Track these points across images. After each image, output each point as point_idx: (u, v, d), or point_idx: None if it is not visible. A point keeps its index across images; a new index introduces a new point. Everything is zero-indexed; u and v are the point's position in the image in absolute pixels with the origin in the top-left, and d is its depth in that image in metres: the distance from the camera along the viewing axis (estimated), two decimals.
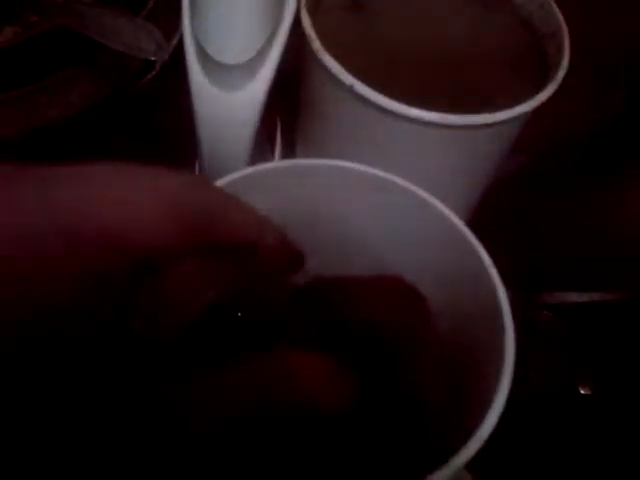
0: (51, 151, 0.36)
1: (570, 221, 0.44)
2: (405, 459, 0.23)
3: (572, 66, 0.29)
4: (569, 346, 0.39)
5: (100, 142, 0.39)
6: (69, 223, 0.14)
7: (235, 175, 0.25)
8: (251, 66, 0.28)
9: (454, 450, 0.19)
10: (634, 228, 0.44)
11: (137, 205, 0.16)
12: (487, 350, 0.22)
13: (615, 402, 0.36)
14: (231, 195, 0.19)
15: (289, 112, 0.38)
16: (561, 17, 0.31)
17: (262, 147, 0.35)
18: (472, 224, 0.39)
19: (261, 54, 0.28)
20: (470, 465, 0.31)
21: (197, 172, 0.35)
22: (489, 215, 0.42)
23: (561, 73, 0.28)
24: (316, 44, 0.29)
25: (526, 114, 0.28)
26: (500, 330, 0.22)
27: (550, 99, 0.28)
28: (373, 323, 0.26)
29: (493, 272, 0.23)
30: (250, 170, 0.26)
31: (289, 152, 0.38)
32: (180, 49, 0.28)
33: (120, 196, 0.16)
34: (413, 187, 0.25)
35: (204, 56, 0.28)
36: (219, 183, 0.25)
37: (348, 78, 0.28)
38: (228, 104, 0.27)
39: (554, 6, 0.31)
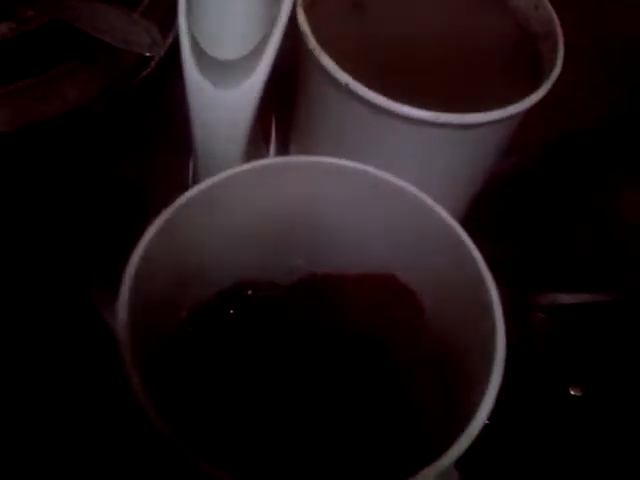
0: (47, 147, 0.37)
1: (565, 221, 0.44)
2: (395, 455, 0.24)
3: (568, 65, 0.30)
4: (560, 347, 0.39)
5: (98, 138, 0.39)
6: None
7: (229, 172, 0.25)
8: (247, 63, 0.28)
9: (444, 447, 0.19)
10: (630, 229, 0.44)
11: None
12: (478, 349, 0.22)
13: (606, 404, 0.36)
14: None
15: (284, 109, 0.38)
16: (556, 17, 0.31)
17: (257, 144, 0.35)
18: (466, 224, 0.39)
19: (257, 51, 0.28)
20: (458, 464, 0.32)
21: (191, 170, 0.35)
22: (483, 215, 0.42)
23: (555, 73, 0.29)
24: (312, 42, 0.29)
25: (519, 114, 0.28)
26: (491, 330, 0.22)
27: (545, 99, 0.29)
28: (364, 319, 0.27)
29: (485, 271, 0.23)
30: (245, 167, 0.26)
31: (284, 149, 0.38)
32: (176, 46, 0.28)
33: None
34: (406, 185, 0.26)
35: (199, 52, 0.28)
36: (213, 180, 0.25)
37: (343, 76, 0.28)
38: (223, 101, 0.27)
39: (549, 6, 0.31)
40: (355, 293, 0.28)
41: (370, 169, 0.26)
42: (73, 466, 0.29)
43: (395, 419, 0.25)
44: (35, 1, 0.32)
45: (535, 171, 0.46)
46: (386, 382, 0.26)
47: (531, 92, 0.28)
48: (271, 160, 0.26)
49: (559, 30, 0.30)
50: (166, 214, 0.23)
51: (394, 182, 0.26)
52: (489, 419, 0.35)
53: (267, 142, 0.38)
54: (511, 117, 0.28)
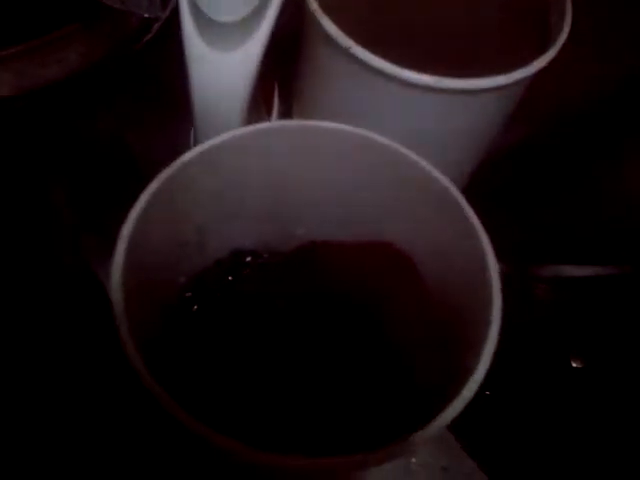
0: (52, 113, 0.36)
1: (569, 193, 0.44)
2: (392, 418, 0.24)
3: (575, 36, 0.29)
4: (562, 319, 0.39)
5: (100, 103, 0.38)
6: None
7: (228, 134, 0.25)
8: (246, 25, 0.27)
9: (439, 410, 0.19)
10: (634, 201, 0.43)
11: None
12: (475, 313, 0.22)
13: (606, 376, 0.36)
14: None
15: (287, 76, 0.38)
16: None
17: (259, 111, 0.34)
18: (468, 194, 0.39)
19: (257, 13, 0.27)
20: (459, 434, 0.32)
21: (192, 136, 0.35)
22: (486, 186, 0.41)
23: (561, 39, 0.28)
24: (313, 5, 0.28)
25: (526, 79, 0.27)
26: (488, 295, 0.22)
27: (551, 68, 0.28)
28: (362, 285, 0.26)
29: (483, 236, 0.23)
30: (243, 130, 0.25)
31: (286, 117, 0.38)
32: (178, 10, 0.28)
33: None
34: (406, 151, 0.25)
35: (199, 15, 0.27)
36: (210, 143, 0.25)
37: (345, 40, 0.27)
38: (222, 65, 0.27)
39: None
40: (353, 260, 0.28)
41: (371, 134, 0.25)
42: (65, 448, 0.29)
43: (391, 383, 0.25)
44: None
45: (539, 143, 0.45)
46: (382, 346, 0.26)
47: (537, 57, 0.28)
48: (269, 124, 0.25)
49: None
50: (164, 175, 0.23)
51: (394, 148, 0.25)
52: (490, 390, 0.35)
53: (269, 109, 0.38)
54: (516, 83, 0.27)
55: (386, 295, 0.27)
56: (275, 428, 0.24)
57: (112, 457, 0.28)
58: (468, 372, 0.20)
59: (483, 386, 0.35)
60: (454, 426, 0.32)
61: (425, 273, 0.26)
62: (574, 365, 0.37)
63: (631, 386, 0.35)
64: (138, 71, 0.39)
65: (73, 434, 0.28)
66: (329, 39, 0.28)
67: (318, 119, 0.27)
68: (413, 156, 0.25)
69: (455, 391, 0.20)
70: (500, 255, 0.40)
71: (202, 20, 0.27)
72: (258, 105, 0.34)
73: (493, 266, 0.22)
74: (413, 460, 0.32)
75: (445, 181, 0.24)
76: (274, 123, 0.25)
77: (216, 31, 0.27)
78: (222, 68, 0.27)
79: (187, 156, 0.23)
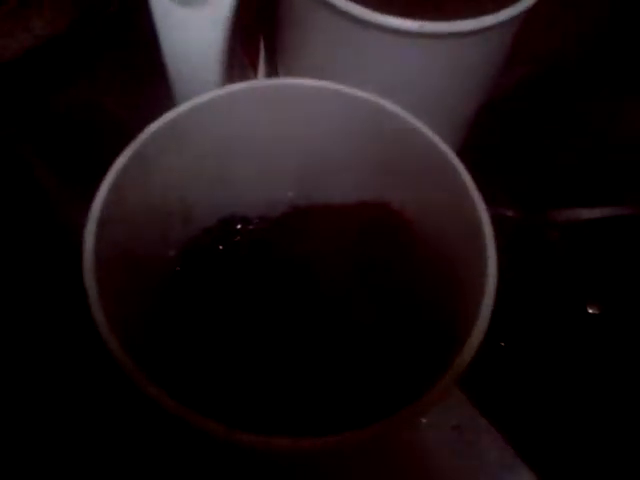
0: (28, 79, 0.35)
1: (576, 133, 0.42)
2: (394, 380, 0.23)
3: None
4: (577, 264, 0.37)
5: (77, 73, 0.37)
6: None
7: (200, 99, 0.24)
8: None
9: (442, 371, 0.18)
10: None
11: None
12: (470, 269, 0.21)
13: (623, 322, 0.35)
14: None
15: (273, 30, 0.36)
16: None
17: (241, 68, 0.33)
18: (471, 143, 0.37)
19: None
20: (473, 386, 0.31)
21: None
22: (490, 133, 0.40)
23: None
24: None
25: (515, 19, 0.25)
26: (482, 249, 0.20)
27: (547, 7, 0.26)
28: (355, 247, 0.25)
29: (473, 190, 0.21)
30: (219, 92, 0.24)
31: (274, 73, 0.36)
32: None
33: None
34: (393, 106, 0.24)
35: None
36: (186, 105, 0.23)
37: None
38: (191, 21, 0.25)
39: None
40: (341, 223, 0.26)
41: (353, 90, 0.24)
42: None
43: (388, 348, 0.24)
44: None
45: (540, 83, 0.43)
46: (376, 310, 0.25)
47: None
48: (241, 84, 0.24)
49: None
50: (133, 146, 0.22)
51: (379, 104, 0.24)
52: (504, 341, 0.34)
53: (255, 65, 0.36)
54: (506, 22, 0.25)
55: (379, 256, 0.25)
56: (270, 407, 0.23)
57: (108, 453, 0.28)
58: (469, 329, 0.19)
59: (497, 337, 0.34)
60: (465, 383, 0.31)
61: (418, 231, 0.25)
62: (591, 311, 0.36)
63: None
64: (113, 37, 0.38)
65: (66, 426, 0.28)
66: None
67: (301, 74, 0.25)
68: (400, 112, 0.23)
69: (457, 349, 0.19)
70: (512, 202, 0.39)
71: None
72: (241, 62, 0.33)
73: (485, 219, 0.21)
74: (423, 420, 0.31)
75: (432, 136, 0.23)
76: (245, 83, 0.24)
77: None
78: (190, 25, 0.25)
79: (154, 126, 0.22)
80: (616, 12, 0.45)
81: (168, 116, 0.23)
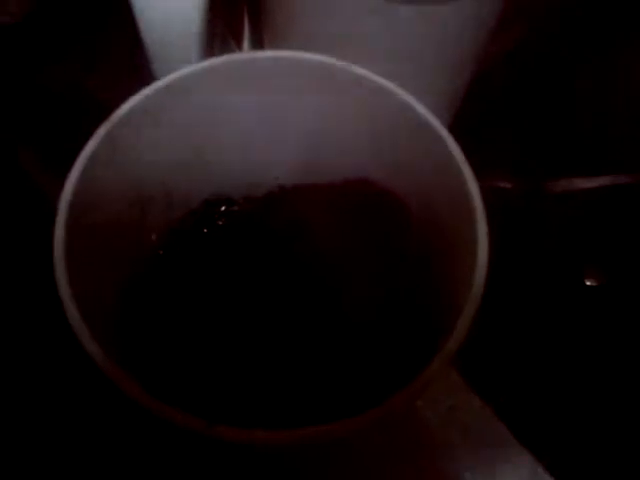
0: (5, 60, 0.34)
1: (571, 101, 0.40)
2: (386, 367, 0.22)
3: None
4: (575, 237, 0.36)
5: (56, 53, 0.36)
6: None
7: (180, 73, 0.22)
8: None
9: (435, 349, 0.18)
10: None
11: None
12: (463, 247, 0.20)
13: (622, 294, 0.34)
14: None
15: (257, 5, 0.35)
16: None
17: (223, 42, 0.31)
18: (464, 113, 0.36)
19: None
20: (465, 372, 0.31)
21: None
22: (483, 103, 0.38)
23: None
24: None
25: None
26: (473, 227, 0.19)
27: None
28: (339, 227, 0.24)
29: (461, 160, 0.20)
30: (196, 67, 0.23)
31: (259, 45, 0.35)
32: None
33: None
34: (381, 80, 0.22)
35: None
36: (161, 82, 0.22)
37: None
38: None
39: None
40: (328, 202, 0.25)
41: (332, 60, 0.23)
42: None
43: (378, 330, 0.24)
44: None
45: (538, 45, 0.42)
46: (365, 291, 0.24)
47: None
48: (223, 58, 0.23)
49: None
50: (105, 127, 0.21)
51: (369, 78, 0.22)
52: (502, 315, 0.34)
53: (239, 40, 0.35)
54: None
55: (370, 234, 0.24)
56: (260, 398, 0.23)
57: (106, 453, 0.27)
58: (460, 304, 0.18)
59: (494, 313, 0.34)
60: (461, 364, 0.31)
61: (409, 208, 0.24)
62: (589, 284, 0.35)
63: None
64: (94, 17, 0.37)
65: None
66: None
67: (286, 47, 0.24)
68: (388, 85, 0.22)
69: (449, 327, 0.18)
70: (507, 173, 0.38)
71: None
72: (223, 38, 0.31)
73: (475, 192, 0.20)
74: (419, 402, 0.31)
75: (422, 109, 0.21)
76: (225, 57, 0.22)
77: None
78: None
79: (126, 106, 0.21)
80: None
81: (142, 95, 0.22)
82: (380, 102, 0.22)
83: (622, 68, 0.41)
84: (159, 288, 0.25)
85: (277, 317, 0.25)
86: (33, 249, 0.30)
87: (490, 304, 0.33)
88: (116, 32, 0.37)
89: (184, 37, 0.25)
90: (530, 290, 0.34)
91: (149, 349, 0.23)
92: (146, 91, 0.22)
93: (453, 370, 0.31)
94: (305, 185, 0.27)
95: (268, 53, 0.23)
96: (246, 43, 0.35)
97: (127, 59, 0.35)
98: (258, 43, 0.35)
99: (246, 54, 0.23)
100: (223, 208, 0.27)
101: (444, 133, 0.21)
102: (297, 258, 0.26)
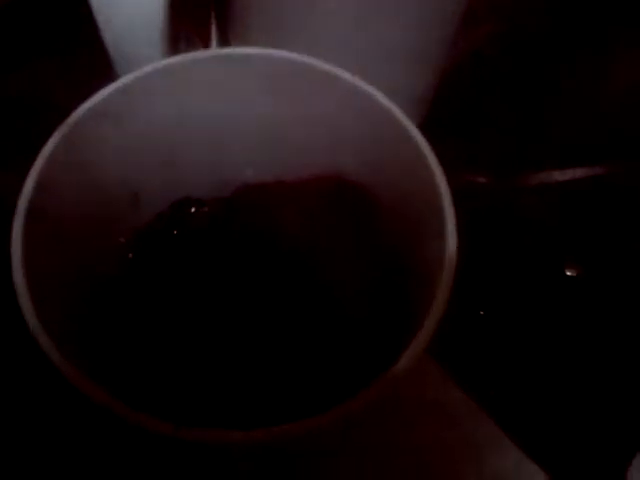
0: None
1: (550, 95, 0.40)
2: (356, 362, 0.22)
3: None
4: (553, 227, 0.36)
5: (25, 56, 0.35)
6: None
7: (141, 72, 0.22)
8: None
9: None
10: (621, 97, 0.40)
11: None
12: (431, 234, 0.20)
13: (603, 283, 0.34)
14: None
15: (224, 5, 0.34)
16: None
17: (188, 42, 0.31)
18: (438, 109, 0.36)
19: None
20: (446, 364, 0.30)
21: None
22: (457, 97, 0.38)
23: None
24: None
25: None
26: (440, 214, 0.19)
27: None
28: (307, 223, 0.24)
29: (429, 154, 0.20)
30: (156, 65, 0.22)
31: (226, 43, 0.35)
32: None
33: None
34: (346, 74, 0.22)
35: None
36: (127, 79, 0.22)
37: None
38: None
39: None
40: (296, 199, 0.25)
41: (298, 57, 0.22)
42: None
43: (348, 325, 0.23)
44: None
45: (512, 39, 0.42)
46: (334, 287, 0.24)
47: None
48: (185, 56, 0.22)
49: None
50: (62, 130, 0.20)
51: (333, 72, 0.22)
52: (483, 310, 0.33)
53: (206, 39, 0.34)
54: None
55: (340, 228, 0.24)
56: (235, 397, 0.22)
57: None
58: (432, 295, 0.18)
59: (475, 306, 0.33)
60: (444, 358, 0.30)
61: (378, 202, 0.24)
62: (569, 274, 0.35)
63: (629, 291, 0.33)
64: (60, 23, 0.36)
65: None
66: None
67: (252, 43, 0.23)
68: (355, 81, 0.22)
69: (421, 319, 0.18)
70: (483, 167, 0.38)
71: None
72: (188, 38, 0.31)
73: (444, 186, 0.19)
74: (404, 394, 0.30)
75: (388, 103, 0.21)
76: (188, 55, 0.22)
77: None
78: None
79: (84, 107, 0.21)
80: None
81: (100, 95, 0.21)
82: (347, 98, 0.22)
83: (597, 61, 0.42)
84: (129, 292, 0.24)
85: (250, 316, 0.24)
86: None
87: (471, 297, 0.33)
88: (85, 36, 0.37)
89: (147, 35, 0.25)
90: (511, 282, 0.34)
91: (120, 353, 0.22)
92: (104, 92, 0.21)
93: (436, 365, 0.30)
94: (275, 183, 0.26)
95: (231, 50, 0.23)
96: (214, 44, 0.34)
97: (96, 68, 0.35)
98: (226, 44, 0.34)
99: (208, 51, 0.23)
100: (193, 209, 0.27)
101: (410, 126, 0.21)
102: (269, 256, 0.26)
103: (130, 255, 0.26)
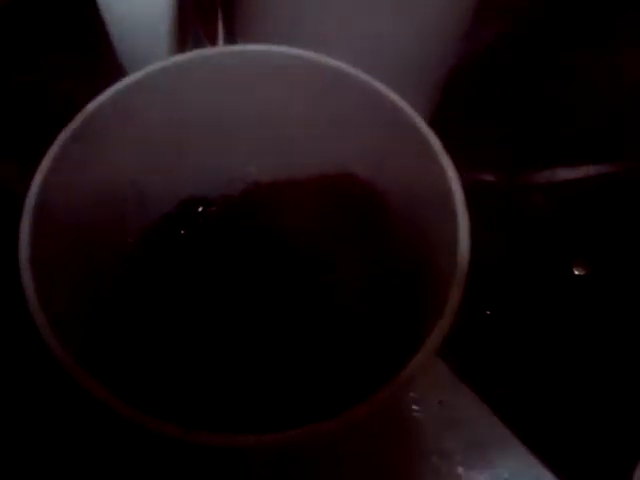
0: None
1: (558, 93, 0.40)
2: (368, 364, 0.22)
3: None
4: (561, 227, 0.36)
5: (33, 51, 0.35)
6: None
7: (148, 69, 0.22)
8: None
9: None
10: (627, 95, 0.40)
11: None
12: (444, 240, 0.20)
13: (610, 283, 0.34)
14: None
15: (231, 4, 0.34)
16: None
17: (196, 40, 0.31)
18: (447, 107, 0.36)
19: None
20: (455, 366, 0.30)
21: None
22: (467, 93, 0.38)
23: None
24: None
25: None
26: (454, 222, 0.19)
27: None
28: (318, 223, 0.24)
29: (441, 153, 0.20)
30: (164, 63, 0.22)
31: (233, 41, 0.34)
32: None
33: None
34: (358, 72, 0.22)
35: None
36: (135, 77, 0.22)
37: None
38: None
39: None
40: (306, 198, 0.25)
41: (311, 55, 0.22)
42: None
43: (361, 328, 0.23)
44: None
45: (519, 39, 0.41)
46: (345, 289, 0.24)
47: None
48: (192, 54, 0.22)
49: None
50: (70, 128, 0.20)
51: (346, 71, 0.22)
52: (490, 309, 0.33)
53: (213, 36, 0.34)
54: None
55: (351, 228, 0.24)
56: (244, 401, 0.22)
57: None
58: (443, 300, 0.18)
59: (482, 306, 0.33)
60: (450, 358, 0.30)
61: (389, 201, 0.24)
62: (577, 273, 0.34)
63: (637, 289, 0.33)
64: (69, 18, 0.36)
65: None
66: None
67: (261, 42, 0.23)
68: (366, 78, 0.22)
69: (432, 323, 0.18)
70: (492, 166, 0.38)
71: None
72: (196, 37, 0.31)
73: (455, 183, 0.19)
74: (411, 394, 0.30)
75: (399, 101, 0.21)
76: (194, 52, 0.22)
77: None
78: None
79: (92, 105, 0.20)
80: None
81: (108, 93, 0.21)
82: (356, 96, 0.22)
83: (604, 59, 0.41)
84: (136, 292, 0.24)
85: (257, 317, 0.24)
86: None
87: (479, 296, 0.32)
88: (92, 33, 0.37)
89: (155, 36, 0.25)
90: (518, 281, 0.34)
91: (127, 353, 0.22)
92: (112, 89, 0.21)
93: (443, 364, 0.30)
94: (283, 181, 0.26)
95: (238, 47, 0.23)
96: (221, 42, 0.34)
97: (104, 62, 0.35)
98: (232, 42, 0.34)
99: (215, 48, 0.23)
100: (200, 209, 0.27)
101: (422, 124, 0.20)
102: (277, 256, 0.25)
103: (137, 255, 0.25)
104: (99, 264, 0.23)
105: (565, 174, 0.38)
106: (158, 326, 0.24)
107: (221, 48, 0.24)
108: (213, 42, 0.34)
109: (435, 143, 0.20)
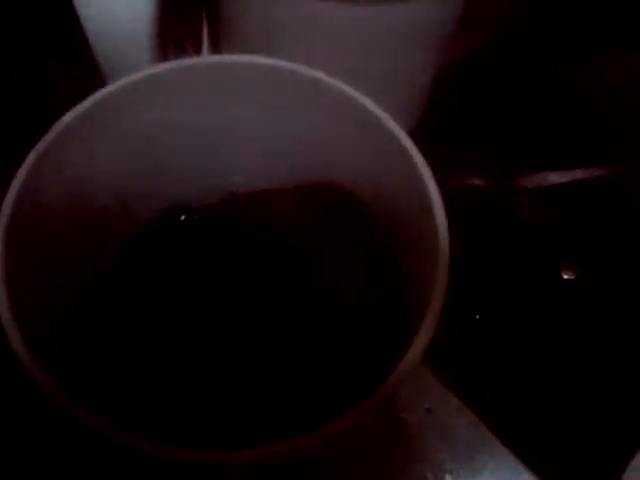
0: None
1: (544, 97, 0.40)
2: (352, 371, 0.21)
3: None
4: (549, 231, 0.36)
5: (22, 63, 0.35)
6: None
7: (125, 80, 0.22)
8: None
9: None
10: (618, 99, 0.40)
11: None
12: (424, 248, 0.19)
13: (598, 287, 0.34)
14: None
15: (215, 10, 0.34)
16: None
17: (179, 48, 0.31)
18: (433, 113, 0.36)
19: None
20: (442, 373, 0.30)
21: None
22: (452, 101, 0.38)
23: None
24: None
25: None
26: (434, 229, 0.19)
27: None
28: (300, 231, 0.24)
29: (418, 159, 0.20)
30: (140, 74, 0.22)
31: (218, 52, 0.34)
32: None
33: None
34: (338, 83, 0.22)
35: None
36: (114, 86, 0.21)
37: None
38: None
39: None
40: (295, 206, 0.25)
41: (289, 65, 0.22)
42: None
43: (342, 336, 0.23)
44: None
45: (506, 44, 0.41)
46: (327, 298, 0.24)
47: None
48: (171, 64, 0.22)
49: None
50: (45, 140, 0.20)
51: (324, 80, 0.22)
52: (479, 313, 0.33)
53: (198, 45, 0.34)
54: None
55: (329, 239, 0.24)
56: (226, 412, 0.22)
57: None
58: (425, 305, 0.18)
59: (471, 310, 0.33)
60: (439, 362, 0.30)
61: (372, 212, 0.23)
62: (565, 277, 0.34)
63: (626, 293, 0.33)
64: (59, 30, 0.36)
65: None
66: None
67: (246, 52, 0.23)
68: (346, 89, 0.21)
69: (415, 325, 0.18)
70: (479, 170, 0.38)
71: None
72: (180, 47, 0.31)
73: (434, 192, 0.19)
74: (399, 402, 0.30)
75: (380, 113, 0.21)
76: (172, 63, 0.22)
77: None
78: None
79: (68, 116, 0.20)
80: None
81: (87, 103, 0.21)
82: (338, 106, 0.22)
83: (595, 63, 0.41)
84: (119, 302, 0.24)
85: (241, 326, 0.24)
86: None
87: (467, 301, 0.32)
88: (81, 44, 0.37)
89: (133, 42, 0.25)
90: (507, 285, 0.34)
91: (109, 366, 0.22)
92: (91, 99, 0.21)
93: (429, 371, 0.30)
94: (266, 190, 0.26)
95: (220, 57, 0.23)
96: (205, 51, 0.34)
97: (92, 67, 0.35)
98: (217, 51, 0.34)
99: (196, 59, 0.23)
100: (183, 217, 0.27)
101: (400, 134, 0.20)
102: (260, 264, 0.25)
103: (120, 264, 0.25)
104: (81, 275, 0.23)
105: (553, 178, 0.38)
106: (141, 336, 0.24)
107: (202, 58, 0.24)
108: (198, 51, 0.34)
109: (415, 154, 0.20)
